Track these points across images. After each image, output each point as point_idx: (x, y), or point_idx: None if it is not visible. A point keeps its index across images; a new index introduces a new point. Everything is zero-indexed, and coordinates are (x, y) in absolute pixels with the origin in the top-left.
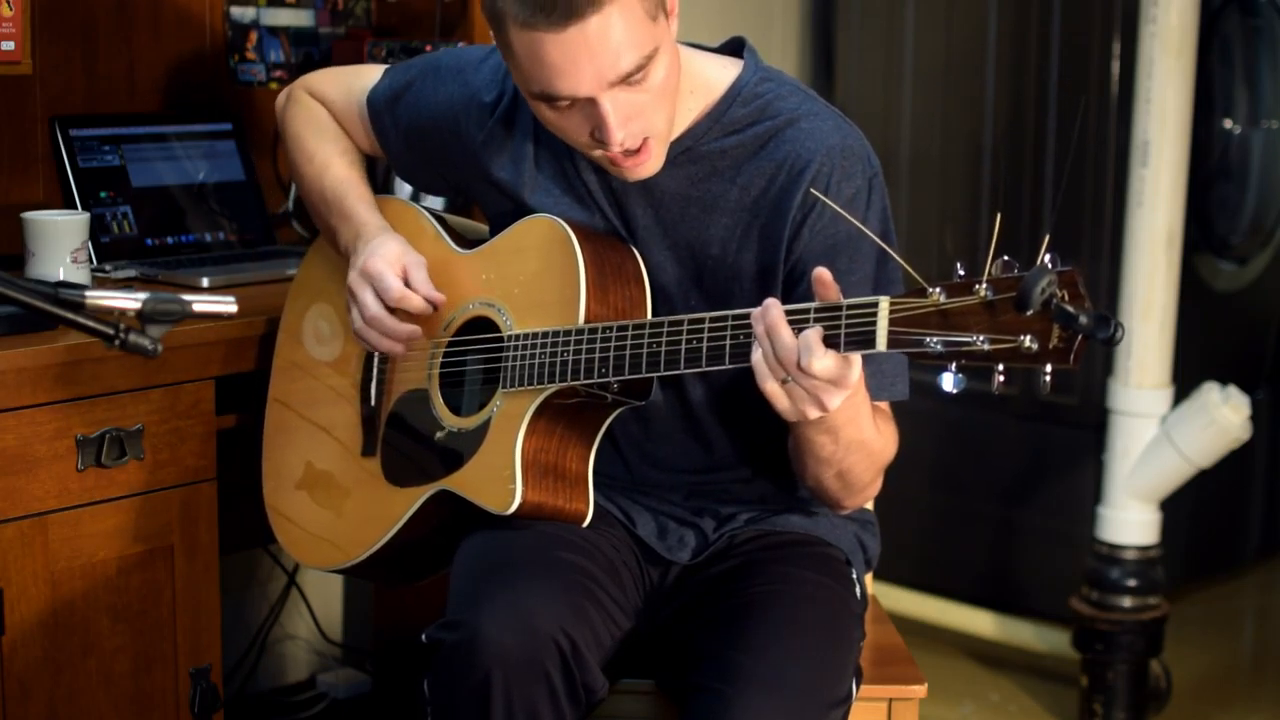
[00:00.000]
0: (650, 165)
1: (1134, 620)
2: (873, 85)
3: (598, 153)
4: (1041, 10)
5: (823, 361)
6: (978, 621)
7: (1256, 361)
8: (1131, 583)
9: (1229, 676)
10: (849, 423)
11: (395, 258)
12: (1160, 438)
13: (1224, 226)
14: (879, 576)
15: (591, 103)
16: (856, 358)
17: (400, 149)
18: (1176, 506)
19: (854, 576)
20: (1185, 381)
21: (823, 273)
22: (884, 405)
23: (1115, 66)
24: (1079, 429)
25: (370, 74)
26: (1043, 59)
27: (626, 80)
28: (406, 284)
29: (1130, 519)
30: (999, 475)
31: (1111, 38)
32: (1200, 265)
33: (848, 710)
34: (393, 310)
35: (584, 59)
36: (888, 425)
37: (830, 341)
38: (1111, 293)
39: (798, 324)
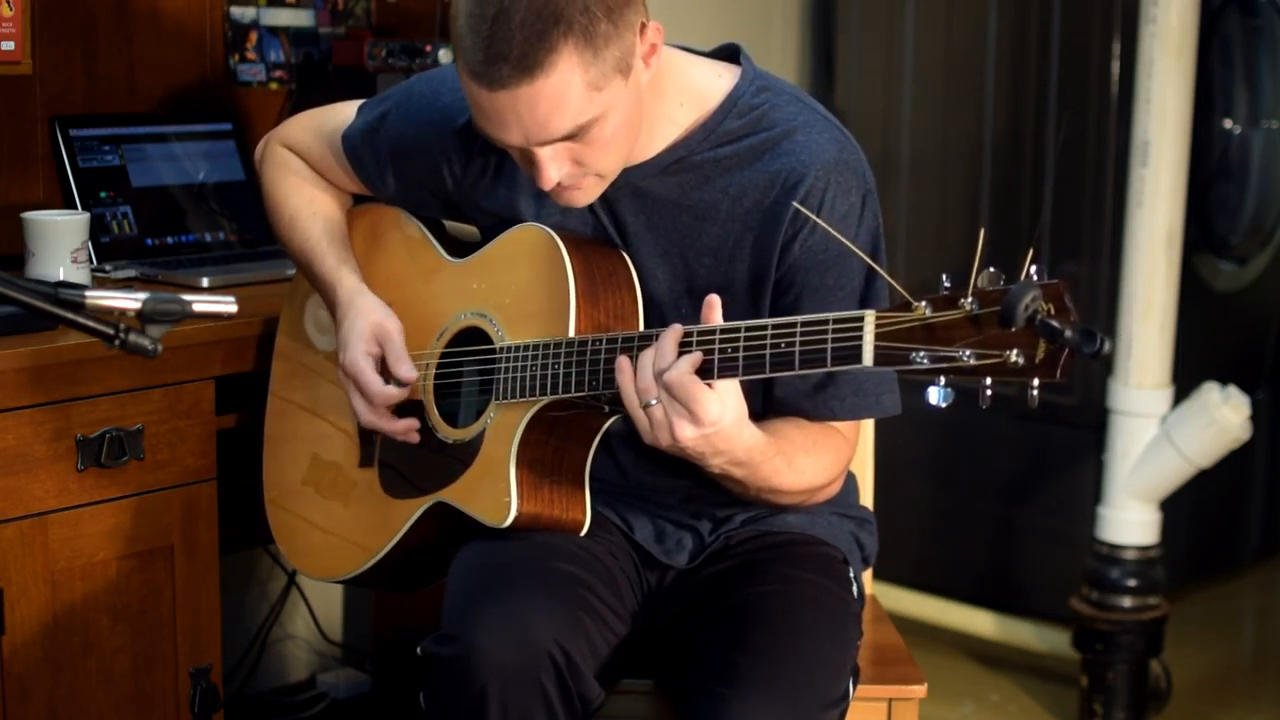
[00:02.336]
0: (583, 196)
1: (1134, 620)
2: (873, 85)
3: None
4: (1041, 10)
5: (680, 376)
6: (978, 621)
7: (1256, 361)
8: (1131, 583)
9: (1229, 676)
10: (750, 476)
11: (367, 343)
12: (1160, 438)
13: (1224, 226)
14: (879, 576)
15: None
16: (726, 399)
17: (385, 181)
18: (1176, 506)
19: (851, 575)
20: (1185, 381)
21: (711, 299)
22: (839, 425)
23: (1115, 66)
24: (1079, 429)
25: (344, 113)
26: (1043, 59)
27: (561, 139)
28: (384, 364)
29: (1130, 519)
30: (999, 475)
31: (1111, 38)
32: (1200, 265)
33: (845, 710)
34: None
35: (512, 120)
36: (828, 451)
37: (814, 360)
38: (1111, 293)
39: (783, 338)
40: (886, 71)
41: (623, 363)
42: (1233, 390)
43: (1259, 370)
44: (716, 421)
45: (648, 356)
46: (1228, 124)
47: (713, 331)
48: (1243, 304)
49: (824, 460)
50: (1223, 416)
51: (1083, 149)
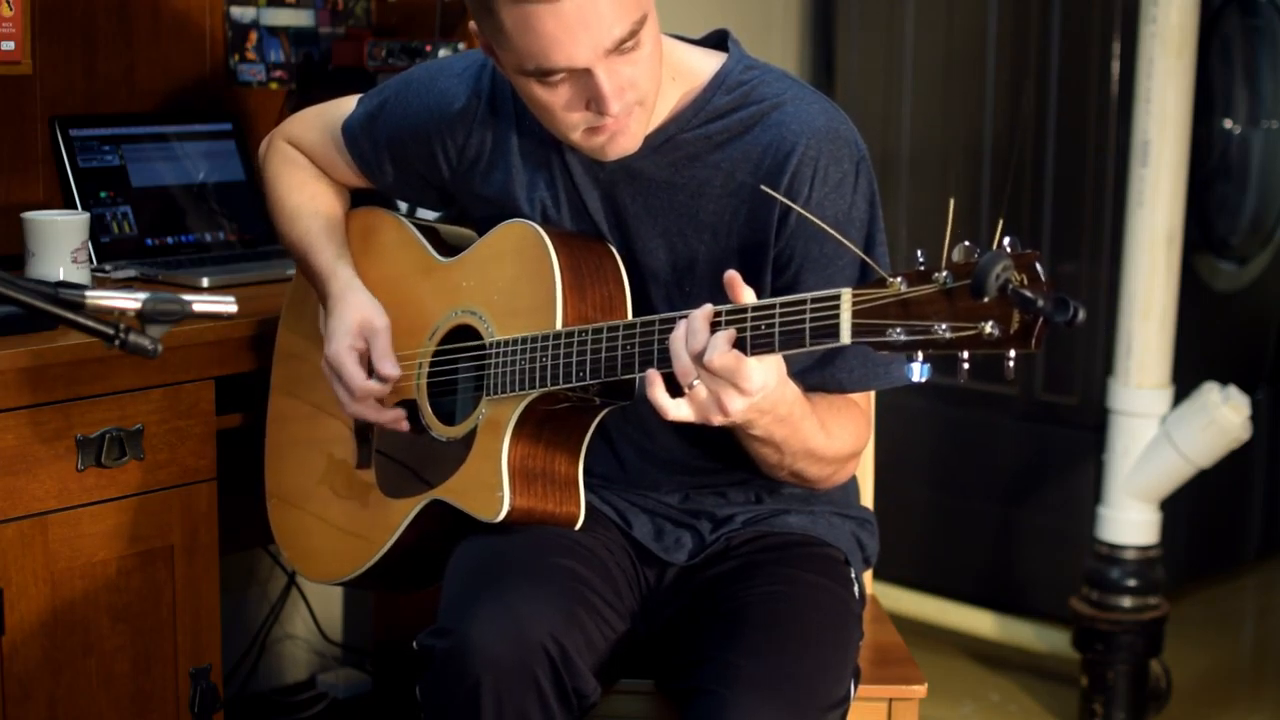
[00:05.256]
0: (629, 139)
1: (1134, 620)
2: (873, 85)
3: (579, 133)
4: (1041, 10)
5: (722, 357)
6: (978, 621)
7: (1256, 361)
8: (1131, 583)
9: (1229, 676)
10: (790, 436)
11: (353, 337)
12: (1160, 438)
13: (1224, 226)
14: (879, 576)
15: (587, 73)
16: (768, 364)
17: (384, 171)
18: (1176, 506)
19: (852, 576)
20: (1185, 381)
21: (732, 275)
22: (854, 396)
23: (1115, 66)
24: (1079, 429)
25: (345, 105)
26: (1043, 59)
27: (620, 48)
28: (369, 358)
29: (1130, 519)
30: (999, 475)
31: (1111, 38)
32: (1200, 265)
33: (845, 711)
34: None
35: (579, 28)
36: (851, 421)
37: (793, 340)
38: (1111, 293)
39: (763, 319)
40: (886, 71)
41: (652, 375)
42: (1233, 390)
43: (1259, 370)
44: (763, 387)
45: (679, 341)
46: (1228, 124)
47: (716, 314)
48: (1243, 304)
49: (849, 427)
50: (1223, 416)
51: (1083, 149)
